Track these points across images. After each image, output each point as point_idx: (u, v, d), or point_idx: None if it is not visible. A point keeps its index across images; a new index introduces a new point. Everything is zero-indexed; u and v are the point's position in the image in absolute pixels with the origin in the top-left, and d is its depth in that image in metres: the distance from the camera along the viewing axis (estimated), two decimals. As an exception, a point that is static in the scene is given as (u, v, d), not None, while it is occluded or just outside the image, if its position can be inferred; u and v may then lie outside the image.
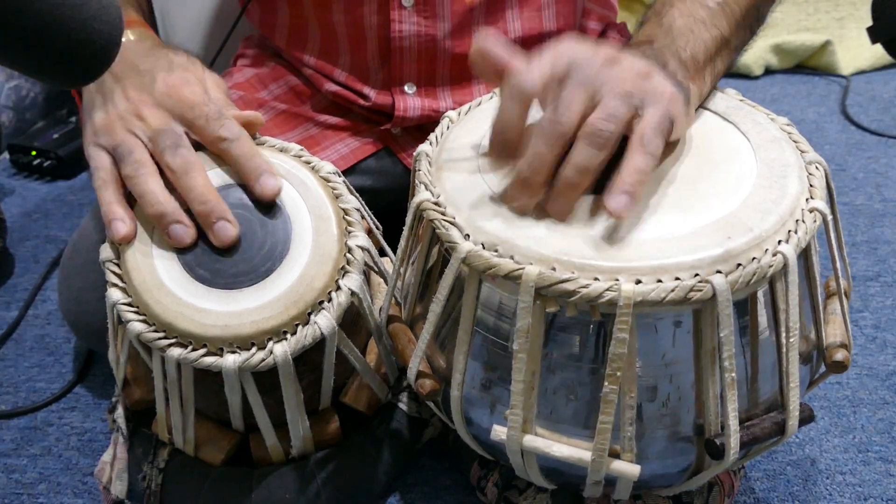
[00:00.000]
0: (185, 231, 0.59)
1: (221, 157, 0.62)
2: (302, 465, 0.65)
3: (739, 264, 0.47)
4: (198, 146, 0.62)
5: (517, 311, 0.48)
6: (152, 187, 0.59)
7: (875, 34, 0.58)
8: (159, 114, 0.61)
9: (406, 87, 0.83)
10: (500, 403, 0.54)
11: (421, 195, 0.54)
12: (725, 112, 0.59)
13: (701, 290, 0.46)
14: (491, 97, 0.64)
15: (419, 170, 0.57)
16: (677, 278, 0.47)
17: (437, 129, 0.61)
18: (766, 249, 0.48)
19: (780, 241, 0.49)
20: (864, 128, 1.31)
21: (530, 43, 0.83)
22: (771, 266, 0.48)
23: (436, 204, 0.53)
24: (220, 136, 0.61)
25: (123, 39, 0.66)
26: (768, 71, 1.50)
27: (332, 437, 0.66)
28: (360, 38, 0.81)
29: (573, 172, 0.49)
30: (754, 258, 0.48)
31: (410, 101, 0.83)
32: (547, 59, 0.50)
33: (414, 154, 0.59)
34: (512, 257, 0.49)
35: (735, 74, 1.48)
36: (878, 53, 1.48)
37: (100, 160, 0.61)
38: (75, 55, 0.43)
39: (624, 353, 0.47)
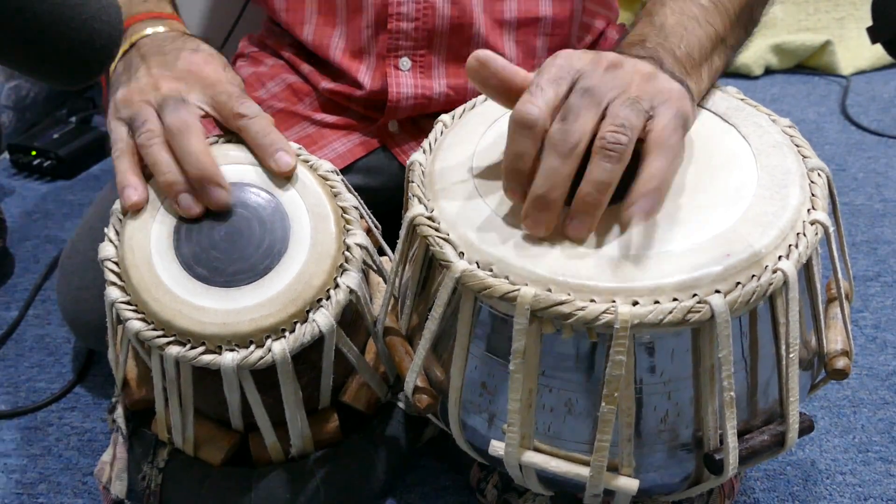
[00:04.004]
0: (193, 201, 0.60)
1: (239, 134, 0.63)
2: (301, 464, 0.65)
3: (738, 283, 0.46)
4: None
5: (513, 333, 0.48)
6: (164, 157, 0.60)
7: (875, 34, 0.58)
8: (176, 85, 0.62)
9: (401, 64, 0.82)
10: (498, 418, 0.53)
11: (414, 209, 0.53)
12: (726, 113, 0.57)
13: (699, 312, 0.45)
14: (485, 98, 0.62)
15: (412, 181, 0.55)
16: (675, 299, 0.46)
17: (431, 136, 0.59)
18: (766, 266, 0.47)
19: (780, 257, 0.48)
20: (864, 128, 1.31)
21: (525, 25, 0.83)
22: (771, 284, 0.47)
23: (429, 219, 0.52)
24: (240, 112, 0.62)
25: (155, 30, 0.68)
26: (768, 71, 1.50)
27: (332, 436, 0.66)
28: (356, 4, 0.81)
29: (592, 189, 0.47)
30: (753, 276, 0.47)
31: (404, 81, 0.82)
32: (548, 79, 0.49)
33: (407, 162, 0.58)
34: (507, 277, 0.48)
35: (735, 74, 1.48)
36: (878, 53, 1.47)
37: (118, 132, 0.62)
38: (75, 55, 0.43)
39: (621, 374, 0.47)
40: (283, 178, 0.62)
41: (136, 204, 0.60)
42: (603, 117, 0.48)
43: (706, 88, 0.59)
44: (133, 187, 0.60)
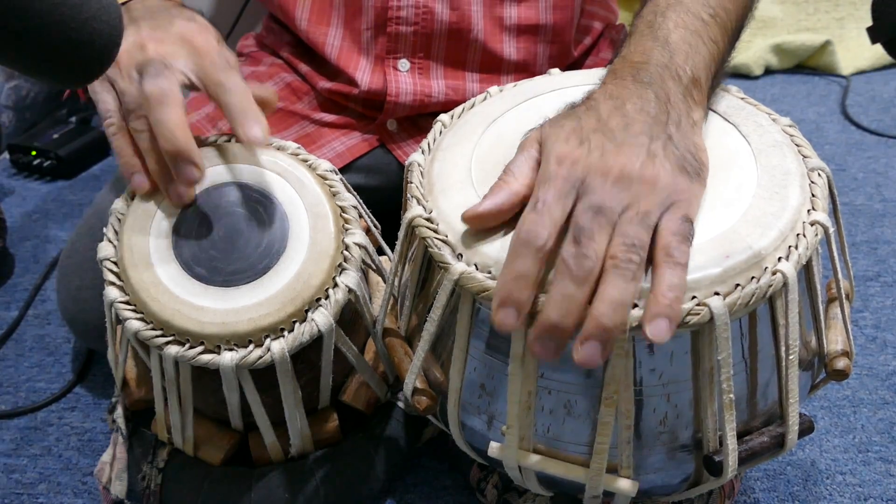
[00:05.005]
0: (185, 191, 0.59)
1: (216, 103, 0.61)
2: (301, 464, 0.65)
3: (738, 285, 0.46)
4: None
5: (512, 336, 0.48)
6: (156, 146, 0.58)
7: (875, 34, 0.58)
8: (163, 49, 0.60)
9: (400, 65, 0.82)
10: (497, 419, 0.53)
11: (413, 210, 0.53)
12: (726, 112, 0.57)
13: (698, 314, 0.45)
14: (484, 98, 0.62)
15: (411, 182, 0.55)
16: None
17: (430, 135, 0.59)
18: (766, 268, 0.47)
19: (780, 258, 0.47)
20: (864, 128, 1.31)
21: (526, 32, 0.83)
22: (770, 286, 0.47)
23: (428, 220, 0.52)
24: (219, 80, 0.60)
25: None
26: (768, 71, 1.50)
27: (331, 436, 0.66)
28: (356, 6, 0.81)
29: (607, 309, 0.43)
30: (753, 277, 0.46)
31: (403, 80, 0.82)
32: (554, 195, 0.46)
33: (406, 163, 0.57)
34: None
35: (735, 74, 1.47)
36: (878, 53, 1.47)
37: (105, 102, 0.60)
38: (75, 55, 0.43)
39: (620, 377, 0.47)
40: (251, 149, 0.61)
41: (148, 189, 0.60)
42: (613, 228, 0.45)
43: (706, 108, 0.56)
44: (141, 173, 0.60)
